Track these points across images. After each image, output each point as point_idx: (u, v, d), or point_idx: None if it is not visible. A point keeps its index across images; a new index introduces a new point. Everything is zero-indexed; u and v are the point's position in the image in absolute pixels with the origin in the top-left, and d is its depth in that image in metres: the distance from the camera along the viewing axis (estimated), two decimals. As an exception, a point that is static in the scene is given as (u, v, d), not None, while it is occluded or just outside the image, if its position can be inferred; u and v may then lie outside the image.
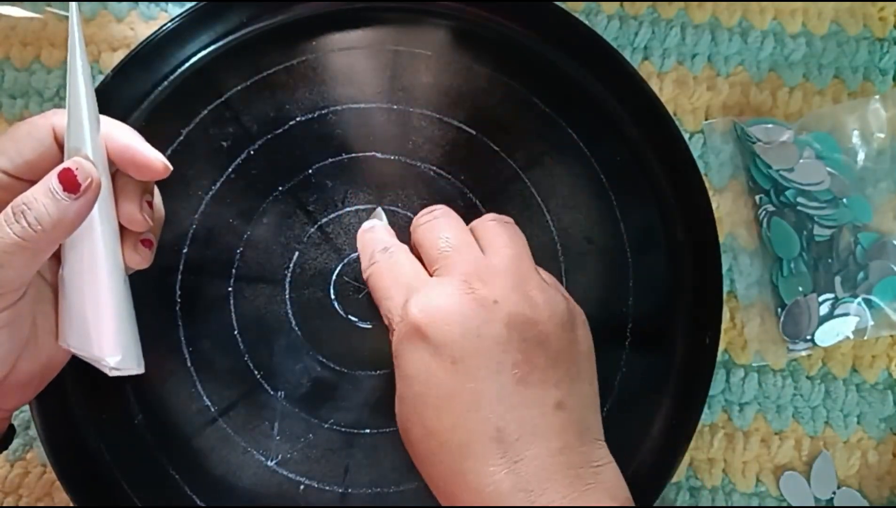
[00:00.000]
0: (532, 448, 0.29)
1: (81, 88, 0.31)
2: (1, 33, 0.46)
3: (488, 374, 0.30)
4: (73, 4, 0.31)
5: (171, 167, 0.34)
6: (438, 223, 0.35)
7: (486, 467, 0.29)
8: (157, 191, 0.36)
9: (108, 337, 0.33)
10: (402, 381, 0.32)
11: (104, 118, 0.33)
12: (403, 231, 0.38)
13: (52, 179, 0.30)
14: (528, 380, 0.30)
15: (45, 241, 0.30)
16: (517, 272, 0.33)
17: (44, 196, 0.29)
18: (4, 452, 0.40)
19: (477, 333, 0.30)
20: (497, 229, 0.35)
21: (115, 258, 0.33)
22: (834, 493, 0.44)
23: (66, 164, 0.30)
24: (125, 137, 0.33)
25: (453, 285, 0.32)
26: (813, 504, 0.44)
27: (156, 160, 0.33)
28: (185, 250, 0.41)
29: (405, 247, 0.36)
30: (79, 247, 0.32)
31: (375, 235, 0.37)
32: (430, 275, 0.34)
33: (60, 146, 0.32)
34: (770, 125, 0.46)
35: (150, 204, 0.34)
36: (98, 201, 0.31)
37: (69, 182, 0.30)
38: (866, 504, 0.44)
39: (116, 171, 0.34)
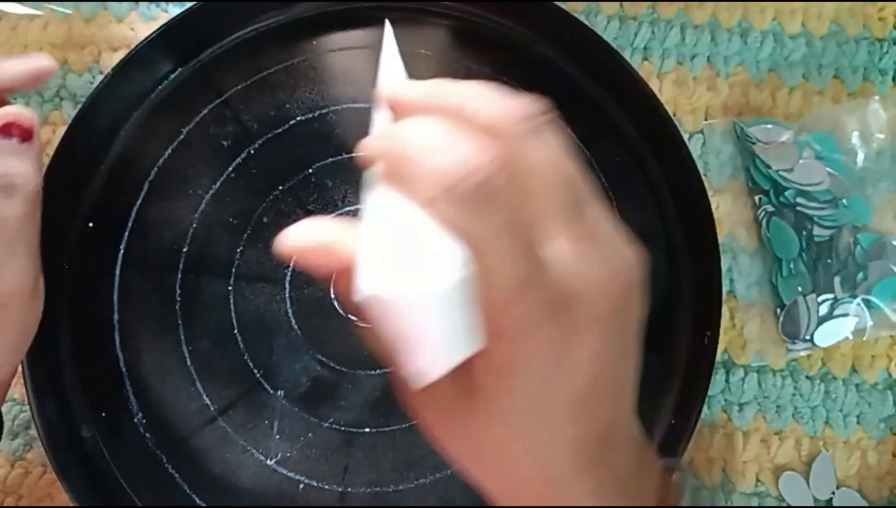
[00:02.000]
0: (623, 456, 0.25)
1: None
2: (1, 33, 0.46)
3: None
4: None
5: (56, 63, 0.32)
6: None
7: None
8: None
9: None
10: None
11: None
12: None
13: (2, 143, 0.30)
14: (628, 360, 0.26)
15: (38, 192, 0.30)
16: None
17: (14, 157, 0.29)
18: (4, 452, 0.40)
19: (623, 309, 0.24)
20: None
21: None
22: (833, 493, 0.44)
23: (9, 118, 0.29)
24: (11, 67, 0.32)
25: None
26: (812, 505, 0.44)
27: (38, 60, 0.32)
28: (184, 249, 0.41)
29: None
30: None
31: None
32: None
33: None
34: (770, 126, 0.46)
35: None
36: None
37: (25, 133, 0.30)
38: (865, 504, 0.44)
39: None
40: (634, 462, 0.25)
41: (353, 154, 0.42)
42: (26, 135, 0.29)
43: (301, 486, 0.39)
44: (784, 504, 0.44)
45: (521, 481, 0.24)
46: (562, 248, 0.21)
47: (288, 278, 0.41)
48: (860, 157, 0.46)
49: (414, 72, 0.43)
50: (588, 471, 0.23)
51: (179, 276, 0.40)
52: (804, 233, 0.44)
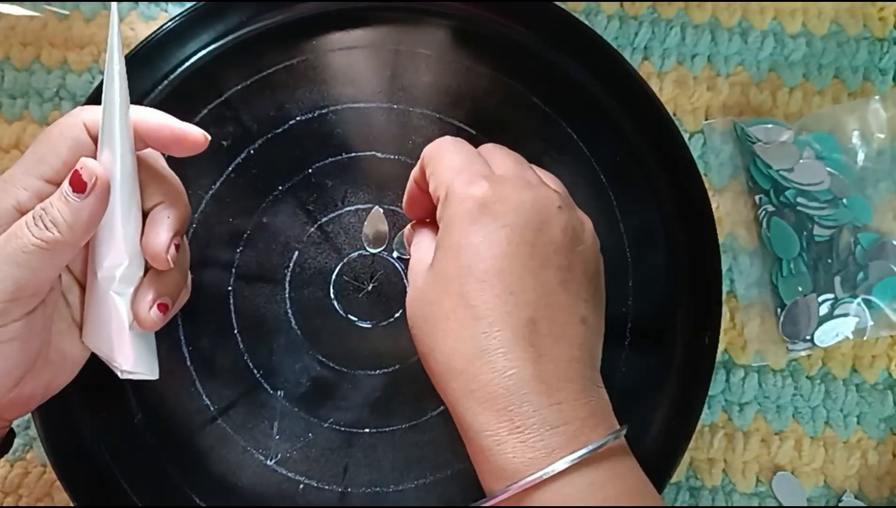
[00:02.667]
0: (555, 349, 0.30)
1: (116, 86, 0.31)
2: (1, 33, 0.46)
3: (537, 267, 0.30)
4: (114, 5, 0.31)
5: (209, 137, 0.34)
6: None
7: (513, 351, 0.29)
8: (187, 254, 0.36)
9: (124, 341, 0.33)
10: (446, 252, 0.31)
11: (137, 107, 0.33)
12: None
13: (64, 182, 0.30)
14: (567, 287, 0.31)
15: (62, 243, 0.30)
16: (563, 190, 0.34)
17: (57, 199, 0.30)
18: (4, 452, 0.40)
19: (539, 226, 0.31)
20: (503, 152, 0.35)
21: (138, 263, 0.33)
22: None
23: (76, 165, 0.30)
24: (159, 118, 0.33)
25: (519, 180, 0.32)
26: (805, 505, 0.44)
27: (193, 130, 0.33)
28: (184, 250, 0.41)
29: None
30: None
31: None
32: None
33: (96, 142, 0.32)
34: (770, 125, 0.46)
35: (178, 247, 0.33)
36: (120, 203, 0.31)
37: (76, 182, 0.30)
38: (864, 504, 0.44)
39: (155, 205, 0.33)
40: (571, 373, 0.30)
41: (353, 154, 0.42)
42: (78, 187, 0.30)
43: (301, 486, 0.39)
44: (784, 504, 0.44)
45: (461, 353, 0.30)
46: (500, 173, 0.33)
47: (288, 278, 0.41)
48: (860, 157, 0.46)
49: (414, 71, 0.43)
50: (514, 346, 0.29)
51: (179, 276, 0.40)
52: (804, 233, 0.44)
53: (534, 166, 0.35)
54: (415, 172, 0.35)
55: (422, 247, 0.34)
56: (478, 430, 0.29)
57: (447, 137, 0.34)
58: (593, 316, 0.32)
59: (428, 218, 0.36)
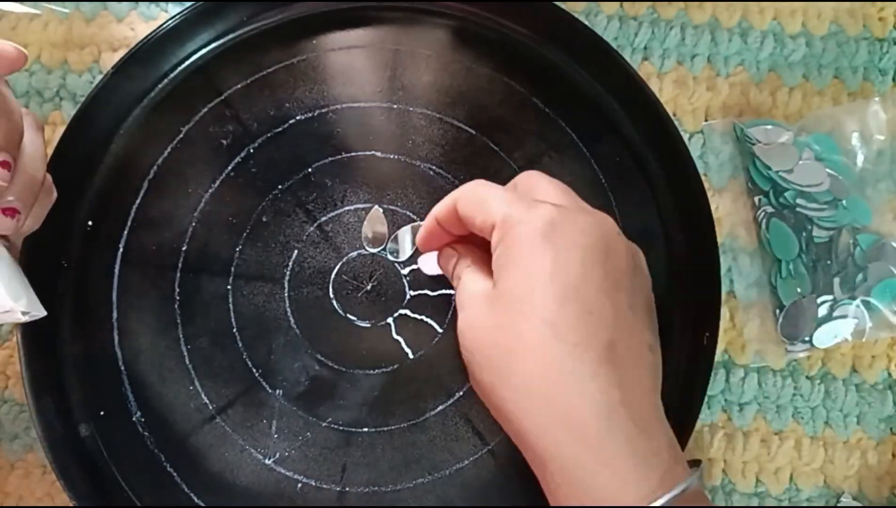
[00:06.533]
0: (635, 374, 0.29)
1: None
2: (1, 33, 0.46)
3: (610, 288, 0.29)
4: None
5: (27, 53, 0.32)
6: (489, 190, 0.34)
7: (600, 374, 0.28)
8: (35, 156, 0.34)
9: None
10: (513, 273, 0.30)
11: None
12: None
13: None
14: (635, 312, 0.30)
15: None
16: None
17: None
18: (5, 452, 0.40)
19: (606, 249, 0.30)
20: (548, 180, 0.34)
21: None
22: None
23: None
24: None
25: (574, 203, 0.32)
26: (806, 506, 0.44)
27: (6, 45, 0.32)
28: (184, 248, 0.41)
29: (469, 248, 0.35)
30: None
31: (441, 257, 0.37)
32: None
33: None
34: (770, 126, 0.46)
35: (8, 164, 0.31)
36: None
37: None
38: (863, 505, 0.44)
39: None
40: (651, 400, 0.29)
41: (352, 153, 0.42)
42: None
43: (299, 485, 0.39)
44: (784, 505, 0.44)
45: (539, 374, 0.28)
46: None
47: (287, 278, 0.41)
48: (860, 158, 0.46)
49: (414, 71, 0.43)
50: (600, 369, 0.28)
51: (178, 275, 0.40)
52: (804, 234, 0.44)
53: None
54: (439, 211, 0.34)
55: (468, 273, 0.33)
56: (563, 461, 0.28)
57: (479, 180, 0.33)
58: (657, 344, 0.31)
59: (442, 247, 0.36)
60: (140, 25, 0.47)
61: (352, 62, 0.43)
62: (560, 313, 0.28)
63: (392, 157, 0.42)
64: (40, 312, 0.35)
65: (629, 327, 0.29)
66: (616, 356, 0.28)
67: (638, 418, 0.28)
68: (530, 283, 0.29)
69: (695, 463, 0.29)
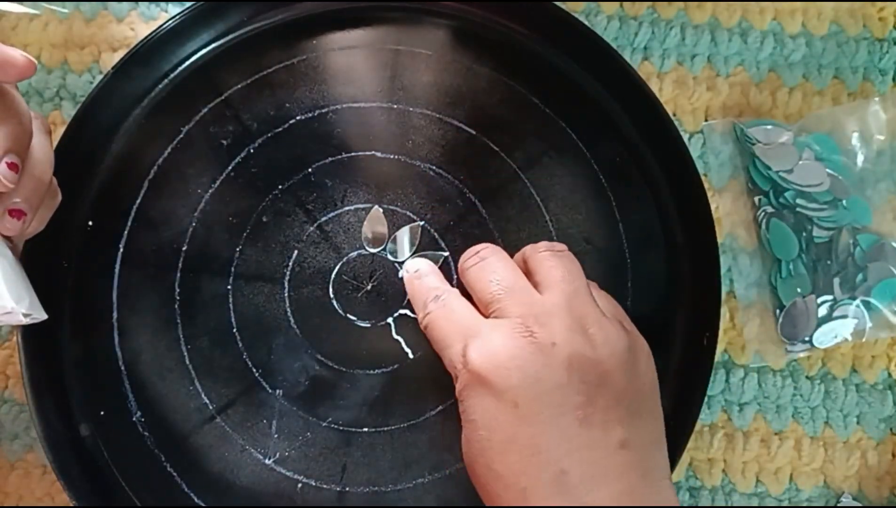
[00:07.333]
0: (595, 492, 0.29)
1: None
2: (1, 33, 0.46)
3: (550, 418, 0.30)
4: None
5: (36, 63, 0.32)
6: (488, 265, 0.35)
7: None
8: (42, 159, 0.34)
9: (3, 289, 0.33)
10: (467, 425, 0.32)
11: None
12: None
13: None
14: (591, 421, 0.30)
15: None
16: (574, 311, 0.33)
17: None
18: (5, 452, 0.40)
19: (536, 377, 0.30)
20: (552, 262, 0.35)
21: None
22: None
23: None
24: None
25: (511, 328, 0.32)
26: (805, 506, 0.44)
27: (16, 54, 0.31)
28: (184, 248, 0.41)
29: (456, 291, 0.36)
30: None
31: (425, 282, 0.37)
32: (487, 317, 0.34)
33: None
34: (769, 127, 0.46)
35: (16, 166, 0.31)
36: None
37: None
38: (863, 505, 0.44)
39: None
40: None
41: (353, 153, 0.42)
42: None
43: (299, 485, 0.39)
44: (784, 505, 0.44)
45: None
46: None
47: (287, 278, 0.41)
48: (860, 158, 0.46)
49: (414, 71, 0.43)
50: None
51: (179, 275, 0.40)
52: (804, 234, 0.44)
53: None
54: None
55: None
56: None
57: (490, 250, 0.36)
58: (636, 433, 0.31)
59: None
60: (140, 25, 0.47)
61: (352, 62, 0.43)
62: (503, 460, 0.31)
63: (392, 157, 0.42)
64: (41, 315, 0.35)
65: (582, 444, 0.30)
66: (566, 484, 0.29)
67: None
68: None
69: None
